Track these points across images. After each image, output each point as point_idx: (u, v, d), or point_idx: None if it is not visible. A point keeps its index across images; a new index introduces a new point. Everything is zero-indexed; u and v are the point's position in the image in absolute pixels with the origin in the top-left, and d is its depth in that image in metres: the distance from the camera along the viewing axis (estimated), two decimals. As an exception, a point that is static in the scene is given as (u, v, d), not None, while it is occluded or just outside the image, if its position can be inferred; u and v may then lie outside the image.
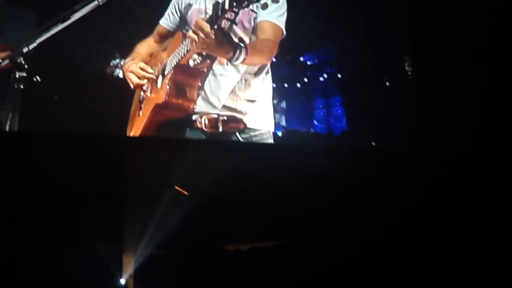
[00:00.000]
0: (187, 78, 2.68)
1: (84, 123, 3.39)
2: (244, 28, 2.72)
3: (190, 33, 2.48)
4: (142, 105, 2.90)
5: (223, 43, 2.48)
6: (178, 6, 2.87)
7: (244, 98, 2.76)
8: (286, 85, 4.92)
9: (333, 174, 2.84)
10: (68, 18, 2.58)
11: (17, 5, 3.45)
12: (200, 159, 2.76)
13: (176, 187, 2.71)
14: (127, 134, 2.97)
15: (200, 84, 2.71)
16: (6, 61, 2.65)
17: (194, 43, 2.47)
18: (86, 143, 2.84)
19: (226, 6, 2.40)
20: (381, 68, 4.23)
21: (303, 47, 2.81)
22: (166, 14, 2.95)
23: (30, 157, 2.86)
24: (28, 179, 2.63)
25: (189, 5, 2.84)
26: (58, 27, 2.58)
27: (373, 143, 3.84)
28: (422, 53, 3.40)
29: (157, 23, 2.97)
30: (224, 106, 2.74)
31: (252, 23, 2.72)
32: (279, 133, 4.50)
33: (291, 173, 2.82)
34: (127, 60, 2.95)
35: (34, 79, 3.15)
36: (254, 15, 2.70)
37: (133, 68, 2.82)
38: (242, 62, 2.56)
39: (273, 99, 2.92)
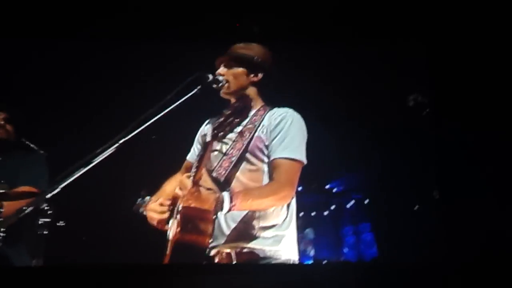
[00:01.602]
0: (198, 211, 2.60)
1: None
2: (257, 157, 2.74)
3: (177, 190, 2.62)
4: (168, 244, 2.77)
5: (206, 197, 2.53)
6: (201, 138, 2.94)
7: (260, 226, 2.70)
8: (313, 213, 4.89)
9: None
10: (90, 162, 2.63)
11: (28, 149, 3.54)
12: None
13: None
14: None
15: (214, 216, 2.61)
16: (30, 208, 2.67)
17: (182, 199, 2.57)
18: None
19: (208, 138, 2.57)
20: (409, 193, 4.19)
21: (328, 175, 2.79)
22: (192, 149, 3.02)
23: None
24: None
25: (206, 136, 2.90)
26: (80, 171, 2.62)
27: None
28: (449, 182, 3.38)
29: (181, 157, 3.02)
30: (236, 235, 2.69)
31: (264, 151, 2.73)
32: (309, 263, 4.38)
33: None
34: (152, 199, 2.92)
35: (58, 224, 3.17)
36: (266, 135, 2.74)
37: (151, 206, 2.80)
38: (234, 209, 2.56)
39: (300, 228, 2.90)
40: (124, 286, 2.83)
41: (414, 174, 4.03)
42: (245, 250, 2.67)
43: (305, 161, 2.74)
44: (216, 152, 2.78)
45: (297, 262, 2.79)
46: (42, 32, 3.43)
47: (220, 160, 2.75)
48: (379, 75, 3.56)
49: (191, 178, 2.59)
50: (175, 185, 2.91)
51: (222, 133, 2.66)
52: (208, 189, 2.58)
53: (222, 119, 2.67)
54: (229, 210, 2.55)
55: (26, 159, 3.49)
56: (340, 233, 4.97)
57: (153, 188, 3.10)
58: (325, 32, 3.50)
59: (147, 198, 3.11)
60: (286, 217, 2.78)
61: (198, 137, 3.01)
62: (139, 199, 3.51)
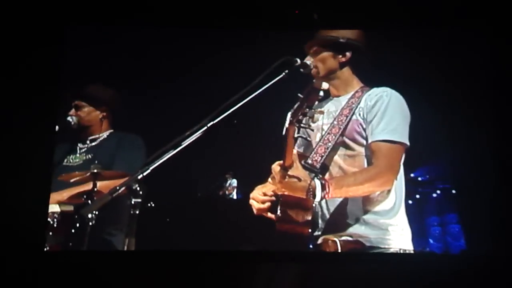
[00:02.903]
0: (297, 199, 2.61)
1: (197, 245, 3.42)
2: (356, 141, 2.69)
3: (269, 179, 2.64)
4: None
5: (296, 185, 2.53)
6: None
7: (365, 213, 2.66)
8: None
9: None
10: (180, 144, 2.70)
11: (126, 133, 3.67)
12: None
13: None
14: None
15: (314, 204, 2.62)
16: (123, 188, 2.78)
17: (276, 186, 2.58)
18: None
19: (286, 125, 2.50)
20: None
21: (413, 163, 2.71)
22: None
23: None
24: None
25: None
26: (170, 153, 2.71)
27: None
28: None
29: (268, 142, 3.03)
30: (341, 223, 2.67)
31: (363, 134, 2.68)
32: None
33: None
34: (259, 187, 2.91)
35: (148, 205, 3.28)
36: (363, 117, 2.68)
37: (254, 194, 2.82)
38: (328, 197, 2.54)
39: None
40: (224, 272, 2.92)
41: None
42: (350, 239, 2.63)
43: (407, 142, 2.65)
44: (300, 139, 2.76)
45: (407, 251, 2.70)
46: (124, 19, 3.52)
47: (316, 146, 2.73)
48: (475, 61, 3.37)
49: (278, 166, 2.59)
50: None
51: (296, 118, 2.56)
52: (297, 177, 2.54)
53: (296, 105, 2.61)
54: (322, 198, 2.53)
55: (122, 143, 3.63)
56: (425, 224, 4.84)
57: (238, 172, 3.17)
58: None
59: (233, 180, 3.18)
60: (395, 203, 2.70)
61: None
62: (224, 182, 3.59)
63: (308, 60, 2.80)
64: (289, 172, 2.53)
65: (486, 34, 3.32)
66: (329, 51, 2.84)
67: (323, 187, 2.51)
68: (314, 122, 2.45)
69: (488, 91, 3.28)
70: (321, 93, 2.47)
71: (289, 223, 2.60)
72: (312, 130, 2.69)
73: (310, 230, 2.61)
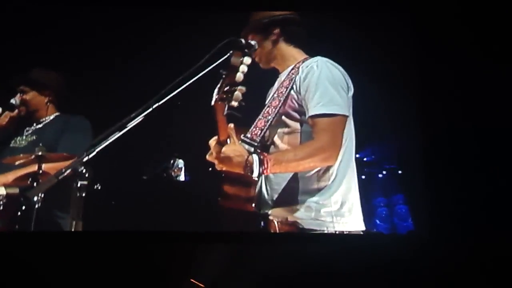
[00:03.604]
0: (237, 175, 2.53)
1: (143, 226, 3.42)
2: (292, 117, 2.63)
3: (207, 155, 2.55)
4: None
5: (233, 161, 2.45)
6: None
7: (303, 191, 2.58)
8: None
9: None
10: (125, 126, 2.68)
11: (72, 115, 3.63)
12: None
13: (192, 280, 2.64)
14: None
15: (256, 179, 2.52)
16: (69, 171, 2.76)
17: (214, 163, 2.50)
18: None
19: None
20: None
21: (358, 143, 2.68)
22: None
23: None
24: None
25: None
26: (115, 135, 2.69)
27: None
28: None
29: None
30: (280, 202, 2.61)
31: (298, 109, 2.61)
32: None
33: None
34: None
35: (95, 187, 3.25)
36: (297, 92, 2.60)
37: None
38: (265, 173, 2.46)
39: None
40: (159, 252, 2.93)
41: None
42: (288, 220, 2.55)
43: (346, 113, 2.55)
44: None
45: (340, 231, 2.58)
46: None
47: (256, 120, 2.65)
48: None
49: (215, 141, 2.52)
50: None
51: (220, 96, 2.44)
52: (233, 151, 2.46)
53: (219, 82, 2.49)
54: (260, 174, 2.45)
55: (67, 126, 3.59)
56: (372, 205, 4.92)
57: (185, 153, 3.16)
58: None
59: (180, 161, 3.17)
60: (334, 179, 2.60)
61: None
62: (171, 164, 3.58)
63: (253, 41, 2.79)
64: (225, 148, 2.45)
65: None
66: (261, 34, 2.82)
67: (261, 162, 2.42)
68: (235, 100, 2.35)
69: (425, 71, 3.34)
70: (242, 69, 2.37)
71: (232, 200, 2.57)
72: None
73: (253, 206, 2.54)
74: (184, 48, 3.47)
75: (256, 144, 2.58)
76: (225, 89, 2.38)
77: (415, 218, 4.61)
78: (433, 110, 3.34)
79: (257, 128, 2.63)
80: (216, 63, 2.59)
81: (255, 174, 2.45)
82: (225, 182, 2.58)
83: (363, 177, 4.95)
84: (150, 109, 2.67)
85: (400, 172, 4.77)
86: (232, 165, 2.46)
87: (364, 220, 2.71)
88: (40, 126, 3.65)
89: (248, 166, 2.44)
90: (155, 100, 2.62)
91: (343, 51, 2.90)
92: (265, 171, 2.46)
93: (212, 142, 2.53)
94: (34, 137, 3.56)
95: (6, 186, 3.20)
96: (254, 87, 2.80)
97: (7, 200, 3.14)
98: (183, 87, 2.64)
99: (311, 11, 2.96)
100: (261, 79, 2.88)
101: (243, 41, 2.70)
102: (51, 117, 3.68)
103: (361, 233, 2.67)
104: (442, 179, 3.48)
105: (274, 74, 2.88)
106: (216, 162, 2.49)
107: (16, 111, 3.62)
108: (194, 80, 2.62)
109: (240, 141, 2.55)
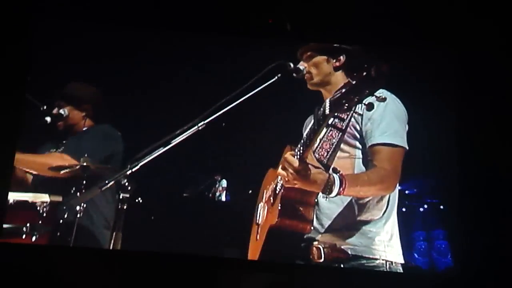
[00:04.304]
0: (300, 194, 2.49)
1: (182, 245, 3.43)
2: (351, 142, 2.61)
3: (280, 170, 2.46)
4: (259, 228, 2.79)
5: (314, 177, 2.39)
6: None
7: (359, 219, 2.57)
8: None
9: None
10: (169, 142, 2.73)
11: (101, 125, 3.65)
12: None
13: None
14: (248, 258, 2.89)
15: (316, 199, 2.52)
16: (112, 182, 2.81)
17: (285, 179, 2.43)
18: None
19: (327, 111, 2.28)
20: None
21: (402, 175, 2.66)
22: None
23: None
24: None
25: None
26: (159, 150, 2.73)
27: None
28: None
29: (258, 145, 3.04)
30: (328, 230, 2.57)
31: (361, 132, 2.59)
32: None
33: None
34: None
35: (136, 200, 3.30)
36: (360, 119, 2.57)
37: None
38: (342, 194, 2.42)
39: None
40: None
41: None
42: (335, 246, 2.53)
43: (407, 147, 2.56)
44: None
45: (393, 263, 2.58)
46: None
47: (320, 142, 2.58)
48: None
49: (297, 156, 2.43)
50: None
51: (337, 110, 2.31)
52: (317, 167, 2.42)
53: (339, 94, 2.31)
54: (337, 194, 2.41)
55: (96, 134, 3.59)
56: (411, 238, 4.83)
57: (228, 174, 3.17)
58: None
59: (223, 181, 3.16)
60: (386, 210, 2.61)
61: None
62: (214, 183, 3.60)
63: (302, 65, 2.80)
64: (309, 164, 2.38)
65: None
66: (323, 56, 2.83)
67: (341, 183, 2.40)
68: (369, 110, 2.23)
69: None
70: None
71: (292, 219, 2.50)
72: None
73: (311, 228, 2.51)
74: (230, 71, 3.49)
75: (324, 166, 2.52)
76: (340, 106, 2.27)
77: (454, 255, 4.51)
78: (473, 149, 3.30)
79: (323, 150, 2.58)
80: (263, 86, 2.61)
81: (333, 194, 2.41)
82: (285, 203, 2.52)
83: (404, 209, 4.88)
84: (196, 127, 2.72)
85: (441, 207, 4.67)
86: (309, 183, 2.40)
87: (404, 253, 2.68)
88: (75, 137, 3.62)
89: (329, 186, 2.40)
90: (201, 119, 2.66)
91: (390, 85, 2.88)
92: (341, 192, 2.42)
93: (289, 156, 2.43)
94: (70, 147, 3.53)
95: (50, 194, 3.26)
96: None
97: (51, 207, 3.21)
98: (229, 107, 2.67)
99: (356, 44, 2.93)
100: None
101: (291, 65, 2.72)
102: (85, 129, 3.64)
103: (401, 264, 2.64)
104: (482, 216, 3.40)
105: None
106: (292, 177, 2.40)
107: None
108: (241, 101, 2.65)
109: None
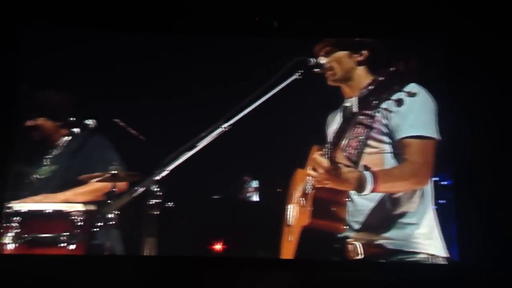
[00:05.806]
0: (332, 193, 2.50)
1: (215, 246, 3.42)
2: (378, 137, 2.59)
3: (309, 170, 2.47)
4: (291, 229, 2.78)
5: (346, 176, 2.40)
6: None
7: (393, 214, 2.56)
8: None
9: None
10: (195, 146, 2.73)
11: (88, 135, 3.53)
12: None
13: None
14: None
15: (347, 198, 2.52)
16: (142, 189, 2.83)
17: (316, 180, 2.44)
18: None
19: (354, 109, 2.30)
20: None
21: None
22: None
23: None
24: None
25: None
26: (186, 154, 2.73)
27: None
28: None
29: (283, 142, 3.02)
30: (367, 224, 2.57)
31: (388, 126, 2.56)
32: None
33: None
34: None
35: (168, 205, 3.30)
36: (387, 113, 2.51)
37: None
38: (375, 191, 2.42)
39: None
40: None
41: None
42: (373, 242, 2.54)
43: (438, 137, 2.53)
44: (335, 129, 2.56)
45: (435, 256, 2.59)
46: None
47: (347, 139, 2.56)
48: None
49: (327, 156, 2.43)
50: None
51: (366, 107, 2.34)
52: (347, 166, 2.44)
53: (367, 91, 2.36)
54: (371, 191, 2.42)
55: (90, 146, 3.51)
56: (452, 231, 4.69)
57: (257, 174, 3.13)
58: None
59: (254, 182, 3.13)
60: (420, 202, 2.59)
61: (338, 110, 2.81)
62: (245, 184, 3.57)
63: (322, 60, 2.75)
64: (339, 163, 2.40)
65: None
66: (344, 51, 2.76)
67: (374, 180, 2.40)
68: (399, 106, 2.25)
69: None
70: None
71: (325, 219, 2.51)
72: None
73: (344, 227, 2.52)
74: (246, 72, 3.43)
75: (352, 164, 2.54)
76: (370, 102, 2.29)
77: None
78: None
79: (351, 147, 2.57)
80: (284, 84, 2.58)
81: (366, 192, 2.42)
82: (317, 203, 2.51)
83: (443, 201, 4.75)
84: (220, 129, 2.71)
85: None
86: (341, 182, 2.41)
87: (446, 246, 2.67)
88: (58, 152, 3.54)
89: (361, 183, 2.40)
90: (224, 120, 2.65)
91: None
92: (374, 189, 2.43)
93: (318, 156, 2.44)
94: (58, 166, 3.49)
95: (84, 203, 3.30)
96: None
97: (86, 216, 3.25)
98: (252, 107, 2.65)
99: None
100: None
101: (312, 60, 2.68)
102: (65, 139, 3.54)
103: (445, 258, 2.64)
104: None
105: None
106: (323, 177, 2.41)
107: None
108: (264, 100, 2.63)
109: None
